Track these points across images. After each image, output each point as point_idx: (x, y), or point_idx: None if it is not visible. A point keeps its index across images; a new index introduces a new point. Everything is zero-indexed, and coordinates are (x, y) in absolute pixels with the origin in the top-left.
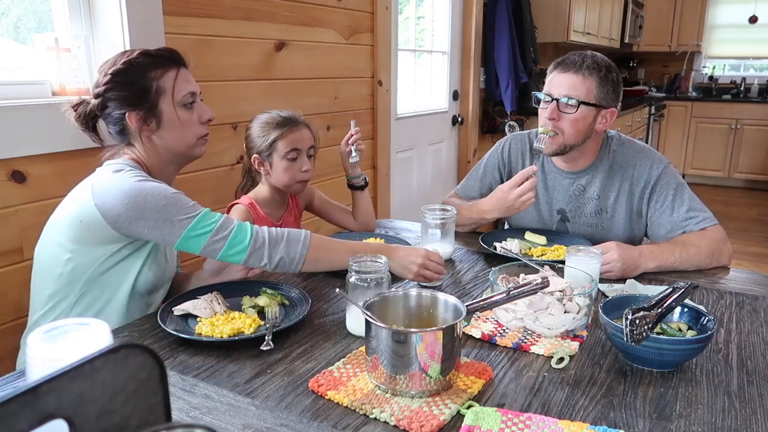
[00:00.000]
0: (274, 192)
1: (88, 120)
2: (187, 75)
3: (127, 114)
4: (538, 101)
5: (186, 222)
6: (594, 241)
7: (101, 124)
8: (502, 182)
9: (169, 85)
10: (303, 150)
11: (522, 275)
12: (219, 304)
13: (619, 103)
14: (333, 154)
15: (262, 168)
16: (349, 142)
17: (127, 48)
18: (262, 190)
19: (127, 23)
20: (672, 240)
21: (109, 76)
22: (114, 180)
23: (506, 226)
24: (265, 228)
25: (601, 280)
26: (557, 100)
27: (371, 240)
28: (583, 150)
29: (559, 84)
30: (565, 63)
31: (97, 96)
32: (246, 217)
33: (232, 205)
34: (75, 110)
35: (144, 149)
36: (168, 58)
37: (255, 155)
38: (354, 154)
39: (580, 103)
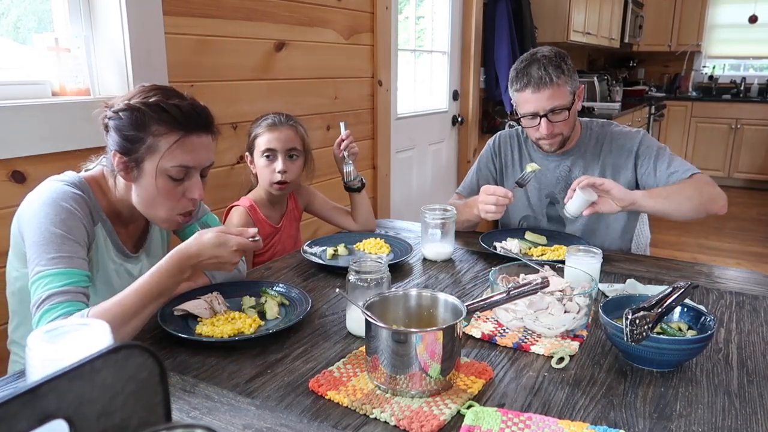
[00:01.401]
0: (268, 193)
1: (103, 125)
2: (196, 143)
3: (112, 152)
4: (513, 118)
5: (37, 270)
6: (583, 221)
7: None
8: (494, 176)
9: (163, 148)
10: (279, 151)
11: (522, 275)
12: (219, 304)
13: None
14: (332, 155)
15: (252, 166)
16: (341, 147)
17: (127, 47)
18: (258, 190)
19: (127, 23)
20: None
21: (119, 107)
22: (40, 189)
23: (499, 226)
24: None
25: (607, 278)
26: (545, 115)
27: (371, 240)
28: (573, 133)
29: (539, 101)
30: (534, 82)
31: (107, 117)
32: (245, 219)
33: (231, 207)
34: (103, 107)
35: (120, 189)
36: (179, 120)
37: (246, 153)
38: (348, 160)
39: (566, 108)
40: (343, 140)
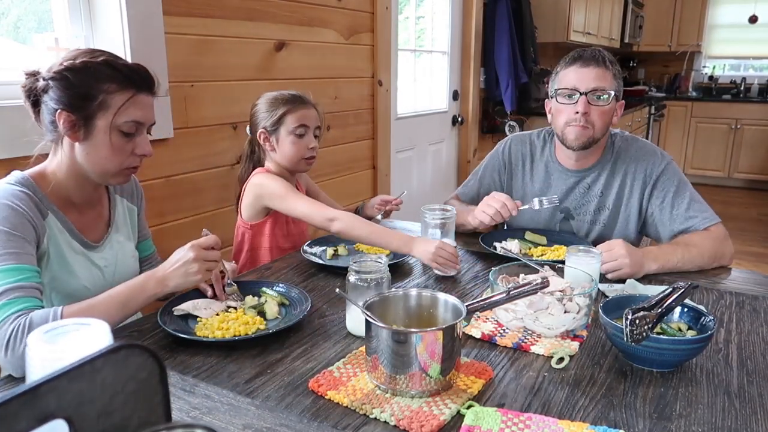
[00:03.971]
0: (280, 170)
1: (32, 94)
2: (145, 101)
3: (58, 112)
4: (544, 98)
5: None
6: (592, 238)
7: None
8: (501, 184)
9: (116, 104)
10: (310, 127)
11: (522, 275)
12: (234, 300)
13: None
14: (333, 155)
15: (267, 143)
16: (386, 208)
17: (127, 47)
18: (269, 167)
19: (127, 23)
20: (674, 241)
21: (61, 67)
22: None
23: (505, 227)
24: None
25: (606, 279)
26: (585, 93)
27: None
28: (598, 145)
29: (585, 78)
30: (584, 58)
31: (44, 78)
32: (275, 175)
33: (251, 176)
34: (26, 76)
35: (65, 155)
36: (130, 78)
37: (261, 130)
38: (379, 217)
39: (611, 95)
40: (391, 203)
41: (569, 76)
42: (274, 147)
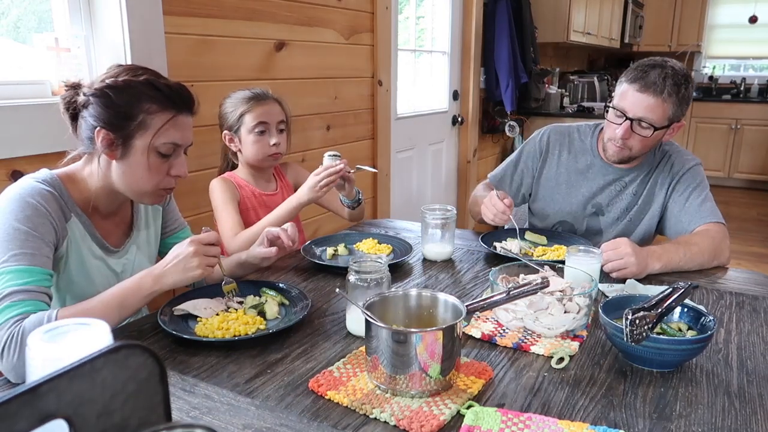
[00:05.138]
0: (251, 170)
1: (70, 107)
2: (185, 123)
3: (97, 129)
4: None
5: None
6: (616, 232)
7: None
8: (533, 172)
9: (155, 125)
10: (271, 124)
11: (522, 275)
12: (233, 301)
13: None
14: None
15: (232, 144)
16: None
17: (127, 47)
18: (240, 170)
19: (127, 23)
20: (675, 240)
21: (103, 84)
22: (11, 186)
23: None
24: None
25: (606, 279)
26: (632, 120)
27: (369, 240)
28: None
29: (636, 103)
30: (645, 82)
31: (85, 94)
32: (225, 185)
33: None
34: (66, 89)
35: (100, 171)
36: (171, 99)
37: (225, 131)
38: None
39: (655, 128)
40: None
41: (625, 95)
42: (239, 147)
